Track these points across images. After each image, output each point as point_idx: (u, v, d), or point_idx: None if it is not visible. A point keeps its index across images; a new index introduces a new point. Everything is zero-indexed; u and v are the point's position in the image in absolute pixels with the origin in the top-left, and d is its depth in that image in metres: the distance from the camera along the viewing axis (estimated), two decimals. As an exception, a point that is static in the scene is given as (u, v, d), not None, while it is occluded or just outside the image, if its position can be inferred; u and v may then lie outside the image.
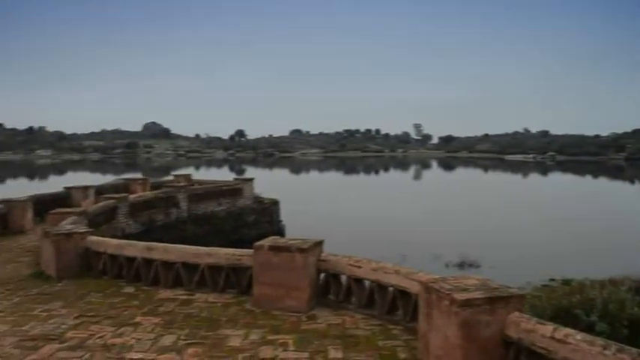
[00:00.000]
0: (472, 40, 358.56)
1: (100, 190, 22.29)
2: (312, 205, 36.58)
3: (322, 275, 7.28)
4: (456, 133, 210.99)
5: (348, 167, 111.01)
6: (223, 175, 62.49)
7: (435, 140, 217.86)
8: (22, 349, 5.61)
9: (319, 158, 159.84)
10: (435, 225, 29.84)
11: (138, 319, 6.71)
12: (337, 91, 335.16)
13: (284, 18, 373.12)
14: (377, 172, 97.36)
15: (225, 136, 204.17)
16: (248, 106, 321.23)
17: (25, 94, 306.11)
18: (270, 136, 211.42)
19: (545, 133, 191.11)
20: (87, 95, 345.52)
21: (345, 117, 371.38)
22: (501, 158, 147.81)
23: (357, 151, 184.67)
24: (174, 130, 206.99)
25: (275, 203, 26.92)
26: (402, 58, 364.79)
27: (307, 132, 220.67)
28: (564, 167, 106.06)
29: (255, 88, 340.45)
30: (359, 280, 6.86)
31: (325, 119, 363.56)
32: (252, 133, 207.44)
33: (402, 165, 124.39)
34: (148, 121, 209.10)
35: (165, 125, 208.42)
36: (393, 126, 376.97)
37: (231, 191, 25.09)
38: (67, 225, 10.86)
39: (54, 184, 36.23)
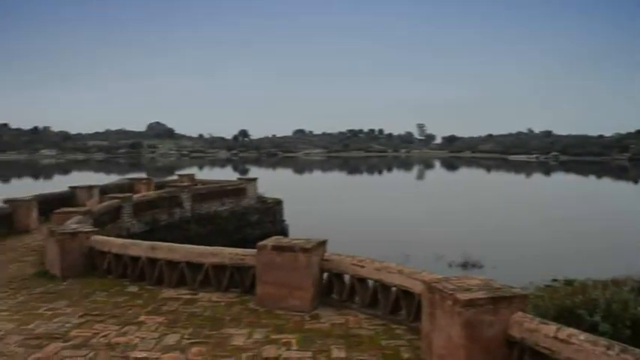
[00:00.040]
0: (472, 40, 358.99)
1: (105, 190, 22.38)
2: (315, 205, 36.60)
3: (325, 275, 7.29)
4: (456, 133, 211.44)
5: (352, 167, 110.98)
6: (227, 174, 62.49)
7: (438, 140, 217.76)
8: (27, 348, 5.64)
9: (322, 158, 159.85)
10: (438, 225, 29.81)
11: (142, 318, 6.73)
12: (338, 91, 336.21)
13: (284, 18, 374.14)
14: (380, 172, 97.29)
15: (229, 136, 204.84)
16: (250, 106, 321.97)
17: (25, 94, 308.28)
18: (274, 136, 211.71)
19: (548, 134, 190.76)
20: (89, 95, 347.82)
21: (347, 117, 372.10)
22: (504, 158, 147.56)
23: (360, 151, 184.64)
24: (178, 130, 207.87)
25: (278, 203, 26.93)
26: (402, 58, 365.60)
27: (310, 132, 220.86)
28: (567, 167, 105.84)
29: (256, 88, 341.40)
30: (362, 280, 6.87)
31: (328, 119, 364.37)
32: (255, 133, 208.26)
33: (406, 165, 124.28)
34: (152, 121, 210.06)
35: (169, 125, 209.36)
36: (396, 126, 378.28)
37: (235, 191, 25.11)
38: (71, 224, 10.90)
39: (59, 184, 36.39)
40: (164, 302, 7.48)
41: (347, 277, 7.09)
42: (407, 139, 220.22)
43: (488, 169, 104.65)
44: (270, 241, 7.34)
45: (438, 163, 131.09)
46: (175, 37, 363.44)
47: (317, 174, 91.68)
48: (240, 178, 28.80)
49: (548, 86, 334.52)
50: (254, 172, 78.22)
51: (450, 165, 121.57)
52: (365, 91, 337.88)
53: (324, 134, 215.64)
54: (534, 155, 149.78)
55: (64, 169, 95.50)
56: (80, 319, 6.69)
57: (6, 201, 16.18)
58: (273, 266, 7.08)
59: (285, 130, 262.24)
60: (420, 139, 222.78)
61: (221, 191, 24.44)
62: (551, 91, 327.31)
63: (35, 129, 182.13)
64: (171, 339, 5.90)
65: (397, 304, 6.40)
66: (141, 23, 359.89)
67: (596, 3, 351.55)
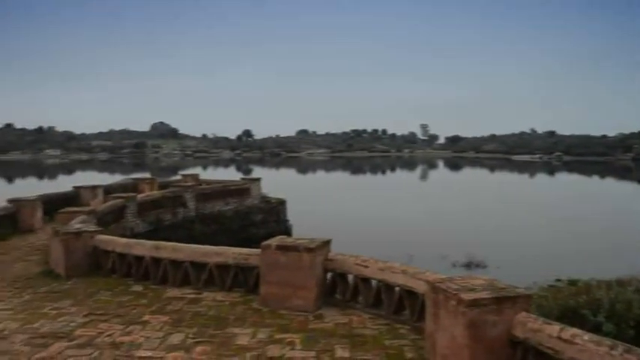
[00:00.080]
0: (472, 40, 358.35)
1: (109, 190, 22.41)
2: (318, 205, 36.60)
3: (329, 275, 7.30)
4: (456, 133, 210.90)
5: (355, 167, 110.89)
6: (230, 174, 62.57)
7: (441, 140, 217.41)
8: (32, 347, 5.67)
9: (326, 158, 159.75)
10: (442, 225, 29.80)
11: (146, 317, 6.76)
12: (338, 91, 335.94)
13: (284, 18, 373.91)
14: (384, 173, 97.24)
15: (233, 136, 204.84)
16: (252, 107, 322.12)
17: (25, 94, 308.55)
18: (277, 136, 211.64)
19: (551, 134, 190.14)
20: (90, 95, 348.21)
21: (348, 117, 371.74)
22: (508, 158, 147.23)
23: (363, 152, 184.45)
24: (182, 130, 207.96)
25: (282, 203, 26.94)
26: (402, 58, 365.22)
27: (314, 132, 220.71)
28: (571, 167, 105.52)
29: (257, 89, 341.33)
30: (366, 280, 6.87)
31: (329, 119, 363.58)
32: (258, 133, 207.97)
33: (409, 165, 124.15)
34: (156, 121, 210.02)
35: (173, 125, 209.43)
36: (396, 126, 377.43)
37: (239, 191, 25.14)
38: (76, 224, 10.94)
39: (63, 184, 36.47)
40: (168, 301, 7.50)
41: (351, 277, 7.09)
42: (410, 140, 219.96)
43: (492, 169, 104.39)
44: (274, 241, 7.35)
45: (441, 164, 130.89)
46: (175, 37, 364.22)
47: (320, 174, 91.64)
48: (243, 178, 28.85)
49: (548, 86, 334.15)
50: (258, 172, 78.20)
51: (454, 165, 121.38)
52: (365, 91, 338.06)
53: (327, 134, 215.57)
54: (538, 155, 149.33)
55: (68, 169, 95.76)
56: (85, 319, 6.72)
57: (10, 201, 16.23)
58: (277, 266, 7.09)
59: (288, 130, 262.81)
60: (424, 140, 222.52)
61: (225, 191, 24.46)
62: (551, 91, 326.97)
63: (40, 129, 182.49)
64: (176, 338, 5.92)
65: (401, 304, 6.41)
66: (141, 23, 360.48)
67: (596, 3, 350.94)
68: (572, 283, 12.31)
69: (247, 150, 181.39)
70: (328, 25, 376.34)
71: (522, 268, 17.50)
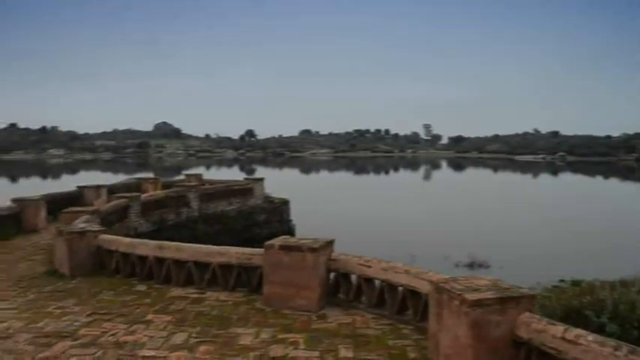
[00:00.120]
0: (472, 40, 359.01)
1: (112, 190, 22.47)
2: (322, 205, 36.61)
3: (332, 275, 7.30)
4: (458, 133, 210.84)
5: (358, 167, 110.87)
6: (234, 174, 62.56)
7: (444, 140, 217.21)
8: (36, 346, 5.69)
9: (329, 158, 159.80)
10: (445, 225, 29.76)
11: (150, 317, 6.77)
12: (339, 91, 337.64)
13: (284, 18, 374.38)
14: (387, 173, 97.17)
15: (236, 136, 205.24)
16: (253, 107, 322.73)
17: (25, 94, 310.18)
18: (280, 136, 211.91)
19: (555, 134, 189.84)
20: (90, 95, 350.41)
21: (350, 117, 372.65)
22: (511, 159, 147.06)
23: (366, 152, 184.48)
24: (185, 130, 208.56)
25: (285, 203, 26.96)
26: (402, 58, 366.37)
27: (317, 132, 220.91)
28: (574, 168, 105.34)
29: (257, 89, 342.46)
30: (369, 280, 6.87)
31: (331, 119, 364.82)
32: (261, 133, 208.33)
33: (412, 165, 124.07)
34: (159, 121, 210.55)
35: (176, 125, 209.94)
36: (400, 126, 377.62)
37: (242, 191, 25.16)
38: (79, 224, 10.96)
39: (67, 184, 36.56)
40: (172, 301, 7.52)
41: (354, 277, 7.10)
42: (413, 140, 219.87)
43: (495, 169, 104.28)
44: (277, 241, 7.35)
45: (444, 164, 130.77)
46: (175, 37, 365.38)
47: (324, 174, 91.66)
48: (247, 178, 28.85)
49: (548, 86, 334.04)
50: (261, 172, 78.26)
51: (457, 165, 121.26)
52: (365, 91, 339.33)
53: (330, 134, 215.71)
54: (541, 155, 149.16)
55: (72, 168, 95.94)
56: (88, 318, 6.73)
57: (14, 200, 16.26)
58: (281, 266, 7.09)
59: (291, 130, 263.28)
60: (427, 140, 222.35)
61: (228, 191, 24.49)
62: (551, 91, 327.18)
63: (43, 129, 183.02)
64: (179, 338, 5.94)
65: (404, 304, 6.41)
66: (141, 23, 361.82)
67: (596, 3, 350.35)
68: (576, 283, 12.26)
69: (250, 150, 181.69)
70: (328, 25, 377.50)
71: (525, 268, 17.46)
